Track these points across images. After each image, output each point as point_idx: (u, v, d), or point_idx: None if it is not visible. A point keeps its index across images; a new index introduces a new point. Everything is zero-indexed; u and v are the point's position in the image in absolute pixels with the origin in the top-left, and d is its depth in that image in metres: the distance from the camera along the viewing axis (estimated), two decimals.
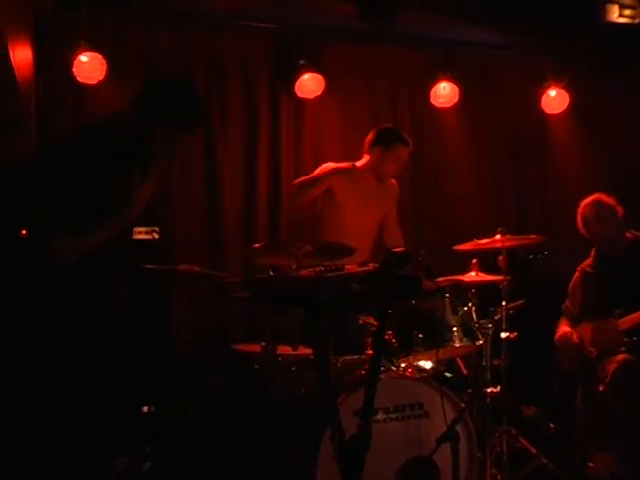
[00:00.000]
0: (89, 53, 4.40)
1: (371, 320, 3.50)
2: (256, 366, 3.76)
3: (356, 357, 3.58)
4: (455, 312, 3.52)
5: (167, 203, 4.66)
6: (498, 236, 4.14)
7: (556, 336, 4.22)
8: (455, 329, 3.49)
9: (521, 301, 4.18)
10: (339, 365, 3.56)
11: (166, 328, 3.90)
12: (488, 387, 3.99)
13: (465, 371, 4.10)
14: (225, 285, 4.31)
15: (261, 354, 3.70)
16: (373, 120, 4.96)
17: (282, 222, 4.97)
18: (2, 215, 3.71)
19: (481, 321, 3.66)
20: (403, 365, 3.51)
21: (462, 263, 4.10)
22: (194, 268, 3.93)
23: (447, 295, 3.51)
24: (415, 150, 5.25)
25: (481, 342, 3.64)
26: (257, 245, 3.89)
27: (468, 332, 3.53)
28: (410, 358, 3.53)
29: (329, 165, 4.33)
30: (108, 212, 2.69)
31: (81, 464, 2.67)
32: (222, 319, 4.81)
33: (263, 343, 3.69)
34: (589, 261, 4.33)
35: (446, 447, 3.14)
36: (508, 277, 4.10)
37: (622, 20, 4.87)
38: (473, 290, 3.65)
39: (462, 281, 3.75)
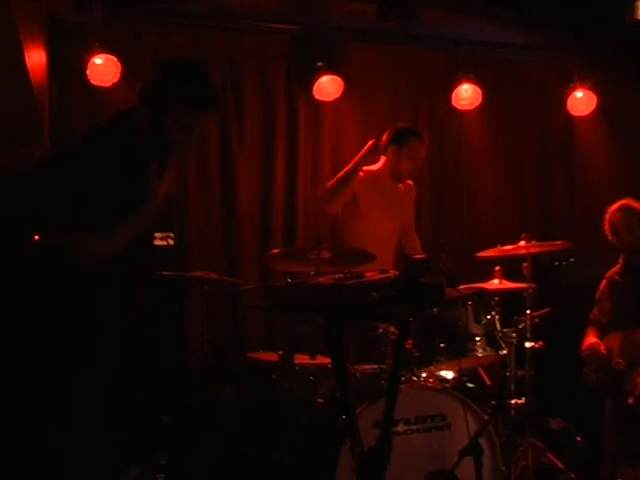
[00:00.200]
0: (103, 55, 4.45)
1: (391, 329, 3.50)
2: (273, 376, 3.76)
3: (376, 367, 3.57)
4: (478, 321, 3.50)
5: (182, 208, 4.69)
6: (522, 242, 4.13)
7: (583, 346, 4.19)
8: (478, 338, 3.48)
9: (546, 310, 4.16)
10: (358, 375, 3.56)
11: (183, 336, 3.93)
12: (512, 398, 3.97)
13: (488, 382, 4.08)
14: (241, 292, 4.33)
15: (278, 363, 3.70)
16: (393, 123, 4.96)
17: (299, 227, 4.99)
18: (15, 220, 3.76)
19: (505, 330, 3.65)
20: (424, 375, 3.50)
21: (485, 270, 4.09)
22: (210, 275, 3.96)
23: (470, 303, 3.50)
24: (436, 154, 5.26)
25: (505, 352, 3.62)
26: (274, 251, 3.90)
27: (491, 341, 3.51)
28: (431, 368, 3.52)
29: None
30: (127, 208, 2.68)
31: (94, 475, 2.69)
32: (238, 327, 4.83)
33: (280, 352, 3.70)
34: (617, 269, 4.30)
35: (469, 461, 3.12)
36: (533, 285, 4.09)
37: None
38: (496, 298, 3.64)
39: (485, 289, 3.74)
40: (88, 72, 4.44)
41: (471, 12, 4.88)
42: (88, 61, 4.42)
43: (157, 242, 3.08)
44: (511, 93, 5.46)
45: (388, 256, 4.22)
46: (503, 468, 3.45)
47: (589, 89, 5.23)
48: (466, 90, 5.13)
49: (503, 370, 3.98)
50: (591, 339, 4.20)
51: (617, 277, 4.28)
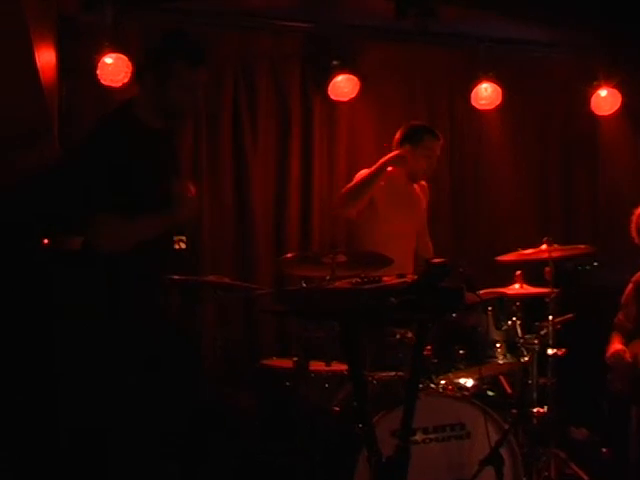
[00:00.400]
0: (114, 54, 4.48)
1: (409, 335, 3.51)
2: (287, 383, 3.77)
3: (393, 374, 3.57)
4: (498, 327, 3.50)
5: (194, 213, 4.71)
6: (544, 246, 4.12)
7: (608, 353, 4.18)
8: (498, 345, 3.48)
9: (569, 315, 4.15)
10: (375, 382, 3.56)
11: (197, 342, 3.96)
12: (534, 407, 3.96)
13: (509, 390, 4.07)
14: (255, 297, 4.35)
15: (293, 370, 3.71)
16: (406, 122, 4.96)
17: (314, 230, 5.00)
18: (25, 223, 3.82)
19: (526, 336, 3.64)
20: (443, 383, 3.50)
21: (506, 275, 4.09)
22: (223, 279, 3.98)
23: (490, 309, 3.50)
24: (455, 155, 5.26)
25: (526, 359, 3.62)
26: (289, 255, 3.92)
27: (512, 348, 3.51)
28: (450, 375, 3.52)
29: (364, 172, 4.33)
30: (144, 193, 2.80)
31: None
32: (251, 333, 4.84)
33: (295, 358, 3.71)
34: None
35: (489, 471, 3.11)
36: (555, 290, 4.08)
37: None
38: (518, 303, 3.63)
39: (506, 294, 3.73)
40: (98, 72, 4.47)
41: (492, 8, 4.87)
42: (98, 61, 4.46)
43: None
44: (532, 92, 5.45)
45: (406, 259, 4.22)
46: (524, 479, 3.44)
47: (613, 87, 5.21)
48: (486, 89, 5.13)
49: (524, 378, 3.97)
50: (616, 346, 4.18)
51: None
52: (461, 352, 3.45)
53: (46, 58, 3.83)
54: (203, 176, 4.81)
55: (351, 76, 4.92)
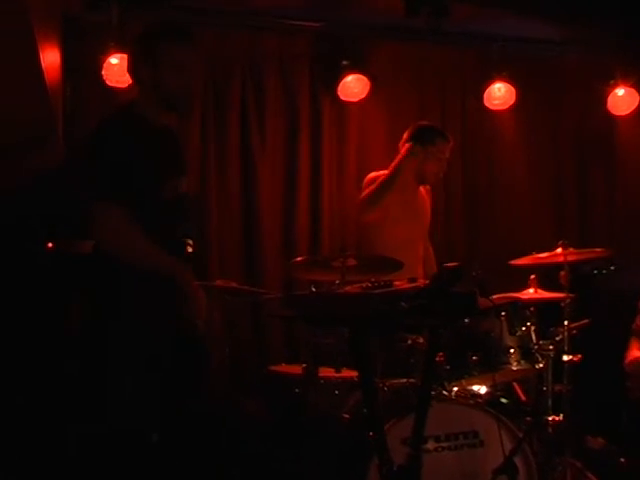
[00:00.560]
0: (119, 55, 4.49)
1: (421, 340, 3.51)
2: (296, 390, 3.78)
3: (405, 381, 3.58)
4: (512, 332, 3.50)
5: (201, 213, 4.73)
6: (559, 249, 4.11)
7: (626, 360, 4.17)
8: (512, 351, 3.47)
9: (585, 321, 4.14)
10: (386, 389, 3.56)
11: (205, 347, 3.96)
12: (549, 415, 3.94)
13: (524, 397, 4.06)
14: (263, 302, 4.36)
15: (301, 376, 3.72)
16: (413, 122, 4.95)
17: (323, 234, 5.01)
18: (30, 226, 3.85)
19: (541, 342, 3.62)
20: (456, 390, 3.50)
21: (520, 279, 4.09)
22: (231, 284, 3.99)
23: (503, 314, 3.49)
24: (467, 157, 5.26)
25: (541, 365, 3.60)
26: (298, 259, 3.92)
27: (527, 354, 3.50)
28: (463, 382, 3.51)
29: (373, 175, 4.32)
30: (149, 193, 2.83)
31: None
32: (259, 339, 4.85)
33: (304, 365, 3.72)
34: None
35: None
36: (571, 294, 4.07)
37: None
38: (532, 308, 3.62)
39: (520, 299, 3.73)
40: (104, 72, 4.48)
41: (506, 6, 4.87)
42: (104, 61, 4.47)
43: None
44: (547, 91, 5.45)
45: (416, 264, 4.22)
46: None
47: (631, 86, 5.20)
48: (499, 89, 5.13)
49: (539, 385, 3.96)
50: (635, 352, 4.18)
51: None
52: (474, 358, 3.44)
53: (51, 58, 3.85)
54: (210, 177, 4.83)
55: (361, 76, 4.93)
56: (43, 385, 3.69)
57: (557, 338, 3.94)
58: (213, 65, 4.88)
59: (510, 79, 5.09)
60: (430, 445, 3.28)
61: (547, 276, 4.16)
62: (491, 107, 5.20)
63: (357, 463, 3.24)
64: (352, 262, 3.63)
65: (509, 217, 5.38)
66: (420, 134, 4.30)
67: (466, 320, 3.40)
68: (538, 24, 5.12)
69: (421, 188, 4.44)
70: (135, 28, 4.67)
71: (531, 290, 3.99)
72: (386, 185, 4.15)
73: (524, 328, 3.53)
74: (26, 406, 3.65)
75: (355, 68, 4.90)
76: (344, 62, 4.90)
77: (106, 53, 4.47)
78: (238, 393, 4.30)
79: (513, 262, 4.19)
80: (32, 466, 3.57)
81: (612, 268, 4.45)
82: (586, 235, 5.35)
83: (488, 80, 5.11)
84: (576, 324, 4.09)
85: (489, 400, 3.56)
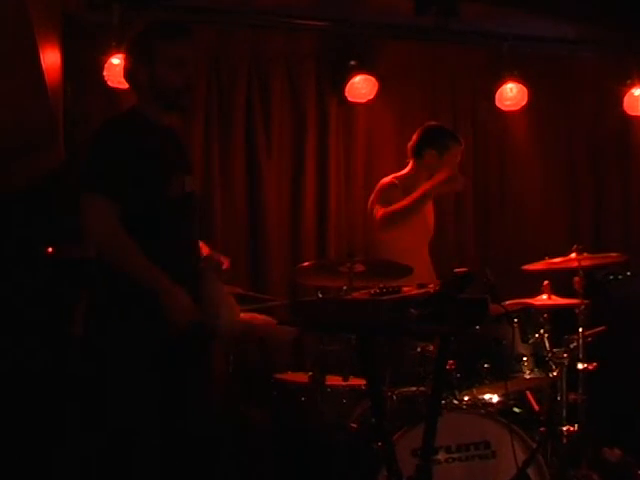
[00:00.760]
0: (121, 55, 4.50)
1: (431, 348, 3.50)
2: (302, 398, 3.78)
3: (414, 389, 3.57)
4: (525, 340, 3.49)
5: (206, 218, 4.73)
6: (573, 254, 4.10)
7: None
8: (525, 359, 3.46)
9: (600, 328, 4.13)
10: (395, 398, 3.56)
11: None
12: (564, 425, 3.93)
13: (537, 406, 4.05)
14: (269, 309, 4.35)
15: (308, 385, 3.72)
16: (422, 123, 4.94)
17: (330, 238, 5.01)
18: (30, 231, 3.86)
19: (555, 350, 3.62)
20: (467, 399, 3.49)
21: (532, 285, 4.07)
22: (235, 289, 3.98)
23: (516, 321, 3.49)
24: (478, 158, 5.25)
25: (555, 374, 3.60)
26: (304, 264, 3.92)
27: (540, 362, 3.50)
28: (474, 391, 3.51)
29: (386, 180, 4.30)
30: (151, 193, 2.84)
31: None
32: (265, 346, 4.84)
33: (310, 373, 3.72)
34: None
35: None
36: (585, 301, 4.06)
37: None
38: (545, 315, 3.61)
39: (533, 305, 3.73)
40: (105, 73, 4.49)
41: (517, 5, 4.87)
42: (105, 61, 4.48)
43: None
44: (561, 92, 5.44)
45: (426, 269, 4.21)
46: None
47: None
48: (511, 89, 5.13)
49: (553, 394, 3.95)
50: None
51: None
52: (486, 366, 3.43)
53: (51, 59, 3.86)
54: (215, 179, 4.83)
55: (369, 76, 4.93)
56: (44, 386, 3.72)
57: (571, 345, 3.93)
58: (218, 65, 4.89)
59: (522, 79, 5.09)
60: (440, 456, 3.27)
61: (561, 282, 4.15)
62: (503, 108, 5.20)
63: (365, 474, 3.24)
64: (360, 267, 3.63)
65: (521, 220, 5.37)
66: (433, 138, 4.28)
67: (477, 327, 3.39)
68: (551, 22, 5.12)
69: None
70: (137, 28, 4.72)
71: (544, 296, 3.98)
72: (412, 209, 4.10)
73: (537, 335, 3.52)
74: (26, 408, 3.69)
75: (363, 68, 4.91)
76: (351, 62, 4.90)
77: (107, 53, 4.48)
78: (243, 402, 4.30)
79: (526, 267, 4.18)
80: (32, 466, 3.60)
81: (628, 273, 4.44)
82: (601, 240, 5.34)
83: (499, 80, 5.11)
84: (591, 331, 4.08)
85: (501, 409, 3.55)
